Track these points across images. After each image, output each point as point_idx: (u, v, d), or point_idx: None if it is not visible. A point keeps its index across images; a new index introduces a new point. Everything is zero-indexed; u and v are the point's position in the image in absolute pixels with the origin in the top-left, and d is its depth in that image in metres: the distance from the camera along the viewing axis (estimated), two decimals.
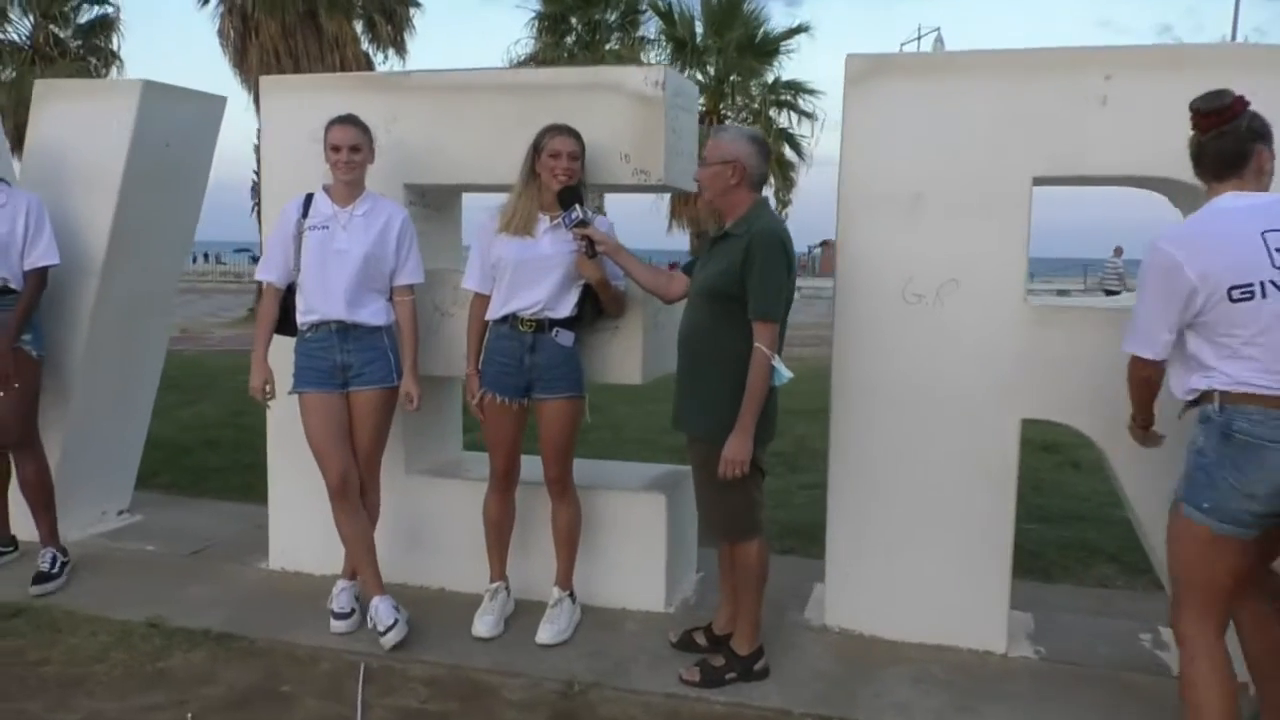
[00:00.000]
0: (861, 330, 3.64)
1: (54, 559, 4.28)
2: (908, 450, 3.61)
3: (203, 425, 7.80)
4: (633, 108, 3.78)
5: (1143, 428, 2.95)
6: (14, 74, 23.74)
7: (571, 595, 3.85)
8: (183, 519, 5.20)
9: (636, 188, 3.87)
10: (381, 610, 3.72)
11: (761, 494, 3.35)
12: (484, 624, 3.77)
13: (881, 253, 3.59)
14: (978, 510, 3.57)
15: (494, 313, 3.67)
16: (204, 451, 6.78)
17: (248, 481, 6.01)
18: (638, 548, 3.97)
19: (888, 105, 3.54)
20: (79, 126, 4.49)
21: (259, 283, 3.85)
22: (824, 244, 30.87)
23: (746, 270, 3.09)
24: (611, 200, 16.16)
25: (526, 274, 3.58)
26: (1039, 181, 3.44)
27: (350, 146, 3.62)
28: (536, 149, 3.59)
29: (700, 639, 3.63)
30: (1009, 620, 3.64)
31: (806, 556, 4.91)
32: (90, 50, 28.23)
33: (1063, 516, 5.67)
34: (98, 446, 4.53)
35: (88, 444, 4.72)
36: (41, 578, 4.19)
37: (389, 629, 3.65)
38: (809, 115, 20.85)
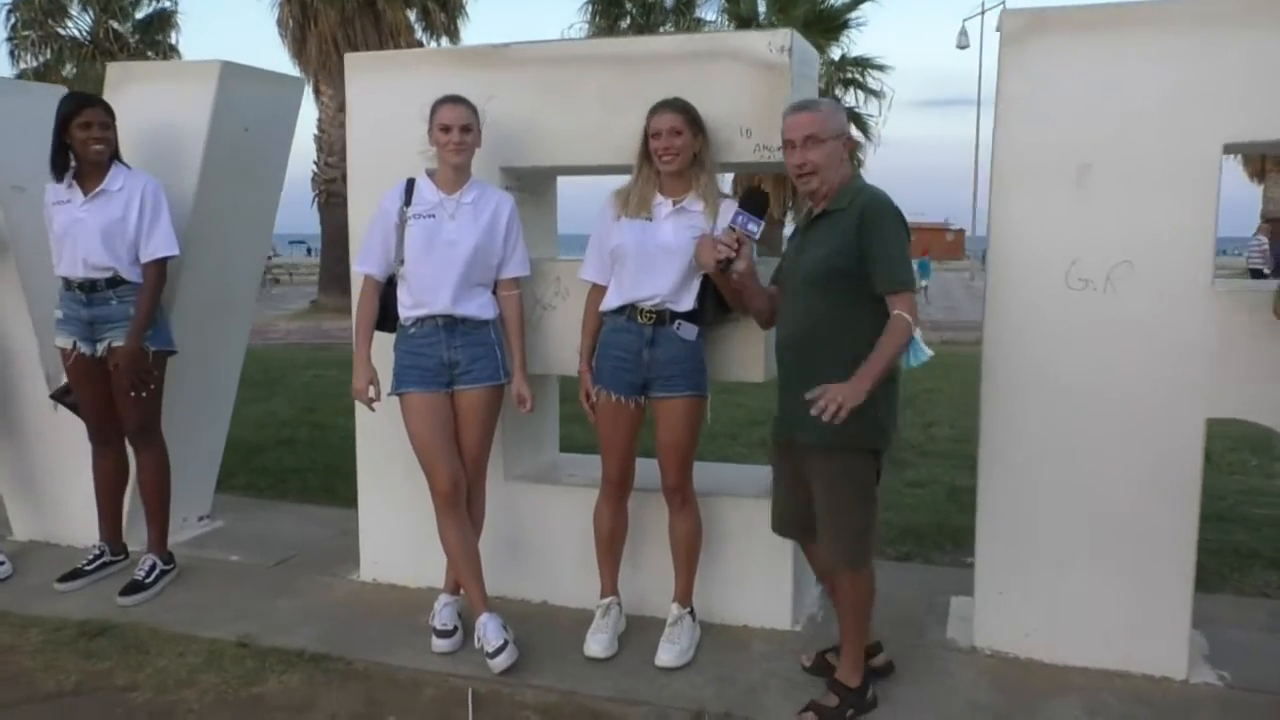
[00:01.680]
0: (1018, 321, 3.25)
1: (152, 566, 4.08)
2: (1073, 455, 3.22)
3: (276, 423, 7.59)
4: (754, 77, 3.43)
5: None
6: (74, 69, 23.99)
7: (691, 612, 3.53)
8: (265, 525, 4.96)
9: (759, 165, 3.51)
10: (490, 630, 3.43)
11: (877, 504, 3.00)
12: (598, 643, 3.46)
13: (1041, 233, 3.20)
14: (1155, 521, 3.17)
15: (610, 303, 3.35)
16: (279, 451, 6.57)
17: (329, 484, 5.80)
18: (762, 560, 3.63)
19: (1050, 66, 3.14)
20: (155, 111, 4.23)
21: (358, 274, 3.57)
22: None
23: (866, 241, 2.77)
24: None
25: (646, 262, 3.25)
26: (1230, 149, 3.03)
27: (461, 126, 3.32)
28: (645, 128, 3.29)
29: (835, 660, 3.28)
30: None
31: (927, 564, 4.55)
32: (149, 45, 28.49)
33: (1203, 516, 5.21)
34: (179, 452, 4.29)
35: (170, 449, 4.47)
36: (133, 587, 3.99)
37: (498, 650, 3.36)
38: (876, 94, 20.25)
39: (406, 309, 3.43)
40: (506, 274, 3.46)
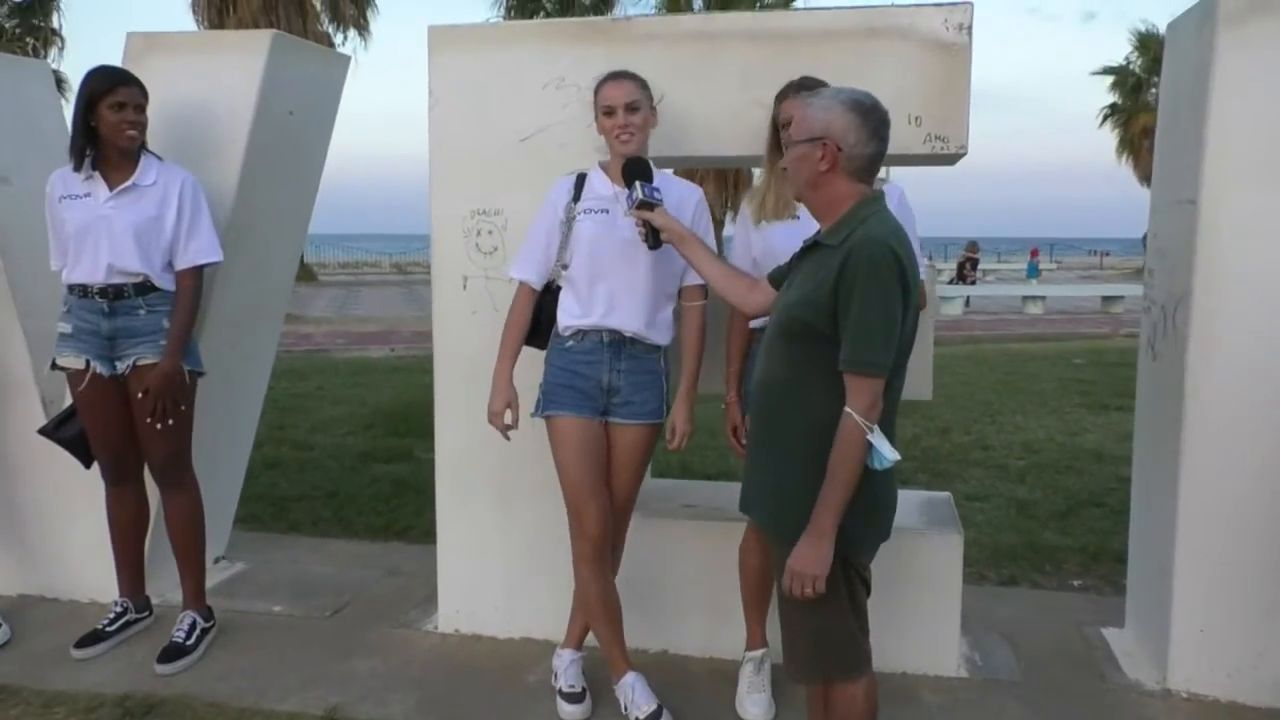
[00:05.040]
0: (1227, 326, 2.95)
1: (192, 625, 3.47)
2: None
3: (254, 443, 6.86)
4: (926, 58, 3.06)
5: None
6: None
7: None
8: (294, 566, 4.35)
9: (930, 158, 3.14)
10: (639, 693, 2.97)
11: (863, 617, 2.31)
12: (756, 705, 3.05)
13: (1256, 232, 2.91)
14: None
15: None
16: (269, 475, 5.87)
17: (340, 513, 5.22)
18: (927, 600, 3.25)
19: (1274, 49, 2.85)
20: (187, 89, 3.60)
21: (513, 280, 3.07)
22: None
23: (841, 296, 2.09)
24: None
25: None
26: None
27: (626, 105, 2.83)
28: (774, 116, 2.92)
29: None
30: None
31: (1036, 587, 4.24)
32: (27, 30, 26.69)
33: None
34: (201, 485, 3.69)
35: None
36: (174, 652, 3.38)
37: (651, 717, 2.90)
38: None
39: (572, 317, 2.92)
40: (692, 280, 2.97)
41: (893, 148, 3.05)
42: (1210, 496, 3.02)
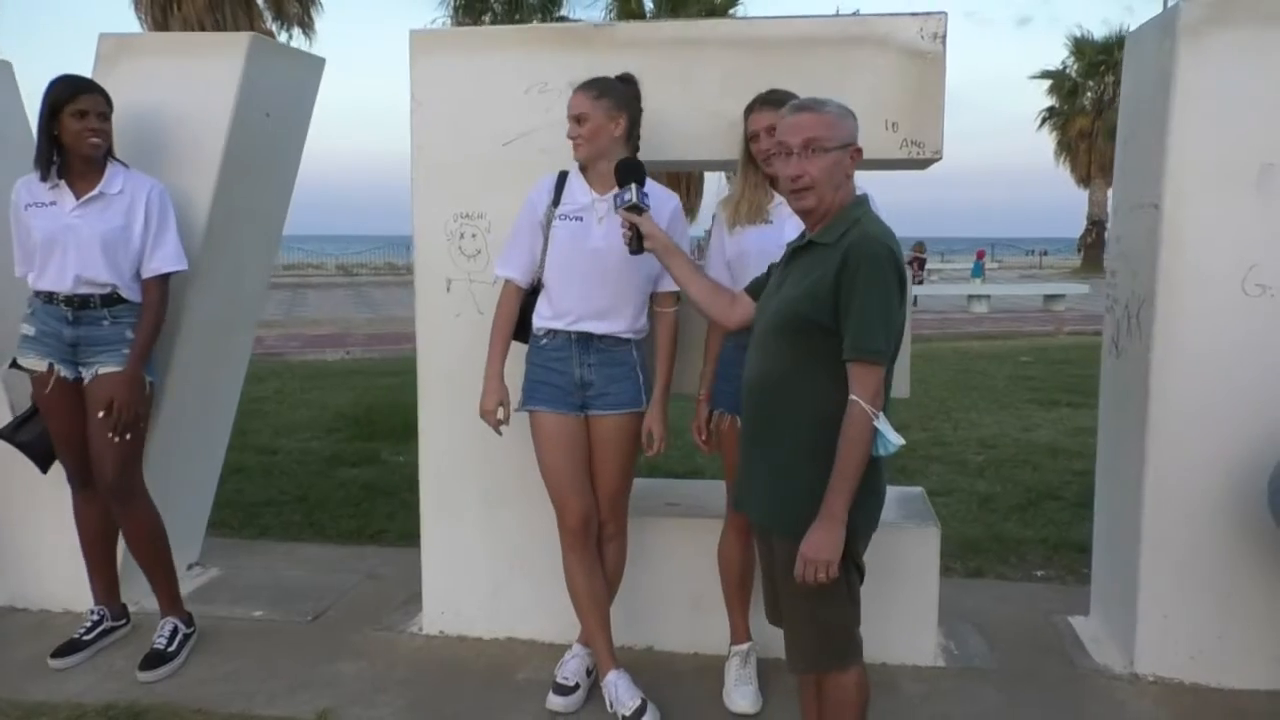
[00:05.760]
0: (1189, 327, 3.08)
1: (173, 631, 3.44)
2: (1249, 471, 3.07)
3: None
4: (903, 65, 3.16)
5: None
6: None
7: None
8: (269, 572, 4.31)
9: (905, 163, 3.23)
10: (621, 689, 3.02)
11: (857, 605, 2.37)
12: (744, 696, 3.11)
13: (1217, 236, 3.04)
14: None
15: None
16: (235, 481, 5.79)
17: (311, 518, 5.19)
18: (905, 591, 3.34)
19: (1231, 60, 2.98)
20: (160, 92, 3.57)
21: (498, 278, 3.12)
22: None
23: (842, 291, 2.19)
24: None
25: None
26: None
27: (575, 116, 2.89)
28: (745, 128, 3.01)
29: None
30: None
31: (1002, 579, 4.36)
32: None
33: None
34: (171, 491, 3.65)
35: (161, 490, 3.77)
36: (155, 659, 3.35)
37: (638, 713, 2.96)
38: None
39: (543, 319, 2.99)
40: (665, 287, 3.03)
41: (870, 152, 3.16)
42: (1173, 489, 3.15)
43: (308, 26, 28.17)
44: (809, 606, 2.29)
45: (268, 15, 27.29)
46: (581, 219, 2.93)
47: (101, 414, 3.25)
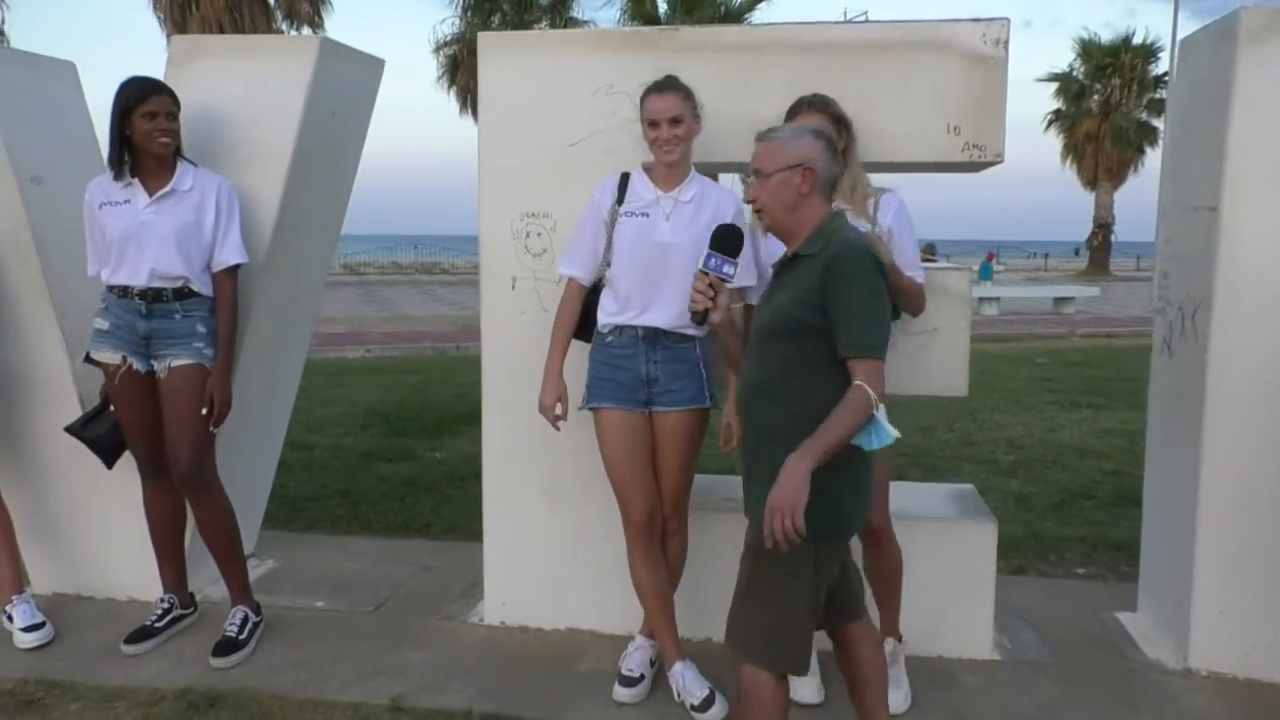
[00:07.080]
0: (1246, 326, 3.15)
1: (244, 620, 3.52)
2: None
3: None
4: (965, 70, 3.23)
5: None
6: None
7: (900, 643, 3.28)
8: (325, 564, 4.39)
9: (968, 165, 3.30)
10: (689, 679, 3.09)
11: (808, 618, 2.39)
12: (808, 688, 3.18)
13: (1276, 238, 3.11)
14: None
15: None
16: (277, 475, 5.87)
17: (356, 511, 5.28)
18: (961, 585, 3.42)
19: None
20: (232, 94, 3.64)
21: (561, 277, 3.20)
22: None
23: (830, 292, 2.29)
24: None
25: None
26: None
27: (670, 119, 2.95)
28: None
29: None
30: None
31: (1044, 577, 4.43)
32: None
33: None
34: (234, 483, 3.71)
35: (226, 481, 3.85)
36: (227, 646, 3.43)
37: (706, 703, 3.03)
38: None
39: (608, 315, 3.06)
40: (738, 282, 3.09)
41: (932, 155, 3.28)
42: (1228, 485, 3.22)
43: (318, 26, 28.26)
44: (762, 589, 2.38)
45: (278, 14, 27.44)
46: (648, 215, 3.01)
47: (204, 410, 3.36)
